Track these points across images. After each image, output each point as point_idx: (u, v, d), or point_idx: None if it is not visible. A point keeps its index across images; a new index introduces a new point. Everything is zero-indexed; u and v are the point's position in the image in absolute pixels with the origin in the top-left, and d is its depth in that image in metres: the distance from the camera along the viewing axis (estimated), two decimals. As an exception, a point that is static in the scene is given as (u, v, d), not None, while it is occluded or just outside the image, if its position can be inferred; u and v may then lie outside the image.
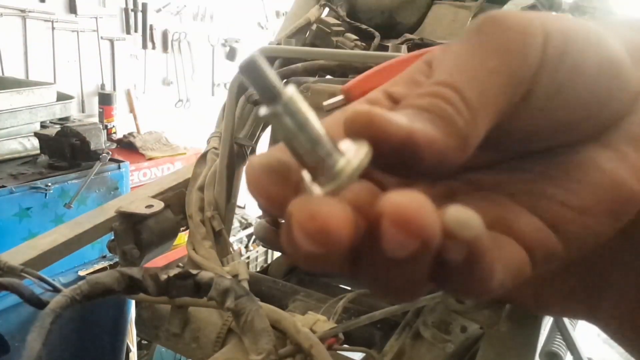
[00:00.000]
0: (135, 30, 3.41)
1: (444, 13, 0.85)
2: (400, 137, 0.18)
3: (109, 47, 3.29)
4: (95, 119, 2.97)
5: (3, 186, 1.63)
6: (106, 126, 2.93)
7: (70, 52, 3.07)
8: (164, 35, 3.63)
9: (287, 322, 0.52)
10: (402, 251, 0.16)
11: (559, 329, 0.59)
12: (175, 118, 3.78)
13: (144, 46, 3.49)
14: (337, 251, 0.16)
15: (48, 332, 0.40)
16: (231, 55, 4.17)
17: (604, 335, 0.32)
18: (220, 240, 0.71)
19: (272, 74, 0.17)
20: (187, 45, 3.82)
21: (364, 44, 0.78)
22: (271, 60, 0.73)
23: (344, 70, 0.69)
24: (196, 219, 0.71)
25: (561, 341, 0.65)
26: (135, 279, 0.48)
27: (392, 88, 0.24)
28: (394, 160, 0.18)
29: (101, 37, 3.21)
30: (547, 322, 0.68)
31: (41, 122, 1.99)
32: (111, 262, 1.92)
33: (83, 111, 3.17)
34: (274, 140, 0.73)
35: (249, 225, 3.28)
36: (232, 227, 1.68)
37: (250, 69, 0.17)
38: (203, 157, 0.79)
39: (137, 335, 1.66)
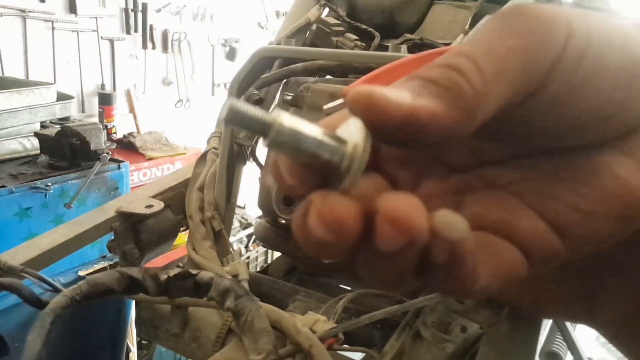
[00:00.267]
0: (135, 30, 3.41)
1: (444, 13, 0.85)
2: (402, 116, 0.18)
3: (109, 47, 3.29)
4: (95, 119, 2.97)
5: (3, 186, 1.63)
6: (106, 126, 2.93)
7: (70, 52, 3.07)
8: (164, 35, 3.63)
9: (287, 322, 0.52)
10: (392, 246, 0.18)
11: (560, 329, 0.59)
12: (175, 118, 3.78)
13: (144, 46, 3.49)
14: (346, 240, 0.18)
15: (48, 332, 0.40)
16: (231, 55, 4.17)
17: (602, 339, 0.31)
18: (220, 240, 0.71)
19: (253, 111, 0.18)
20: (187, 45, 3.82)
21: (364, 44, 0.78)
22: (271, 60, 0.73)
23: (344, 70, 0.69)
24: (196, 219, 0.71)
25: (561, 341, 0.65)
26: (135, 279, 0.47)
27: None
28: (399, 137, 0.19)
29: (101, 37, 3.20)
30: (547, 322, 0.68)
31: (41, 122, 1.99)
32: (111, 262, 1.92)
33: (83, 111, 3.17)
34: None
35: (249, 225, 3.28)
36: (232, 227, 1.68)
37: (234, 118, 0.18)
38: (203, 157, 0.79)
39: (137, 335, 1.65)
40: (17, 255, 0.61)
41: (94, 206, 1.23)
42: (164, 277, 0.48)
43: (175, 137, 3.00)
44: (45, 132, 1.92)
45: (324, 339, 0.50)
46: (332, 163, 0.19)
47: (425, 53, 0.47)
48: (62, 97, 2.02)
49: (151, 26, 3.50)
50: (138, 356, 2.00)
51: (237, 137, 0.75)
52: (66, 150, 1.83)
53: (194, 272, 0.49)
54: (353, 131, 0.19)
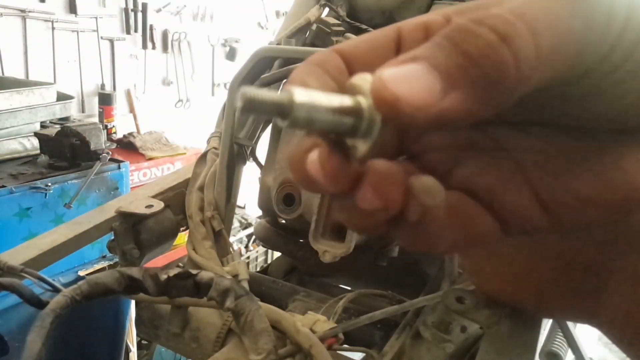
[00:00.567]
0: (135, 30, 3.41)
1: (444, 13, 0.85)
2: (430, 120, 0.17)
3: (109, 47, 3.29)
4: (95, 119, 2.97)
5: (3, 186, 1.63)
6: (106, 126, 2.93)
7: (70, 52, 3.07)
8: (164, 35, 3.62)
9: (287, 322, 0.52)
10: (369, 205, 0.20)
11: (561, 328, 0.59)
12: (175, 118, 3.78)
13: (144, 46, 3.49)
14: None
15: (48, 332, 0.40)
16: (231, 55, 4.17)
17: (605, 339, 0.32)
18: (220, 240, 0.71)
19: (267, 95, 0.18)
20: (187, 45, 3.81)
21: (364, 44, 0.78)
22: (271, 60, 0.73)
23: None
24: (196, 219, 0.71)
25: (561, 341, 0.65)
26: (135, 279, 0.48)
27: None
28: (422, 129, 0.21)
29: (101, 37, 3.20)
30: (547, 322, 0.67)
31: (41, 122, 1.99)
32: (111, 262, 1.92)
33: (83, 111, 3.16)
34: (274, 140, 0.73)
35: (249, 225, 3.28)
36: (232, 227, 1.67)
37: (250, 106, 0.18)
38: (203, 157, 0.79)
39: (137, 335, 1.65)
40: (17, 255, 0.61)
41: (94, 206, 1.23)
42: (164, 277, 0.48)
43: (175, 137, 2.99)
44: (45, 132, 1.92)
45: (324, 339, 0.50)
46: (351, 127, 0.19)
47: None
48: (62, 97, 2.02)
49: (151, 26, 3.50)
50: (138, 356, 2.00)
51: (237, 137, 0.75)
52: (66, 150, 1.83)
53: (194, 272, 0.49)
54: (366, 90, 0.18)
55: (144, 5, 3.38)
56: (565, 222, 0.23)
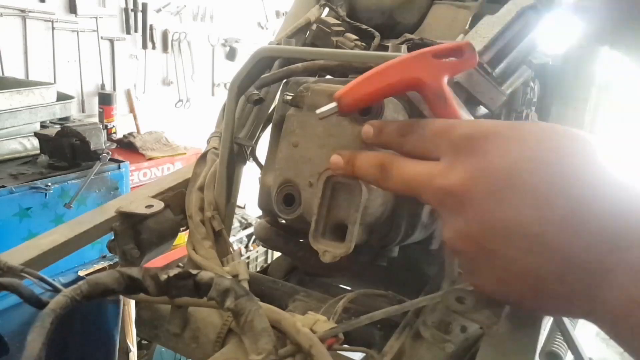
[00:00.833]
0: (135, 30, 3.41)
1: (444, 13, 0.85)
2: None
3: (109, 47, 3.29)
4: (95, 119, 2.97)
5: (3, 186, 1.63)
6: (106, 126, 2.93)
7: (70, 52, 3.07)
8: (164, 35, 3.62)
9: (287, 322, 0.52)
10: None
11: (560, 328, 0.59)
12: (175, 118, 3.78)
13: (144, 46, 3.49)
14: None
15: (48, 332, 0.40)
16: (231, 55, 4.17)
17: (602, 335, 0.32)
18: (220, 240, 0.71)
19: None
20: (187, 45, 3.82)
21: (364, 44, 0.78)
22: (271, 60, 0.73)
23: (344, 70, 0.69)
24: (196, 219, 0.71)
25: (561, 341, 0.65)
26: (135, 279, 0.47)
27: None
28: None
29: (101, 37, 3.20)
30: (547, 322, 0.68)
31: (41, 122, 1.99)
32: (111, 262, 1.92)
33: (83, 111, 3.16)
34: (274, 140, 0.73)
35: (249, 225, 3.28)
36: (232, 227, 1.67)
37: None
38: (203, 157, 0.79)
39: (137, 335, 1.65)
40: (17, 255, 0.61)
41: (94, 206, 1.23)
42: (164, 277, 0.48)
43: (175, 137, 3.00)
44: (45, 132, 1.92)
45: (324, 339, 0.50)
46: None
47: (416, 53, 0.47)
48: (62, 97, 2.02)
49: (151, 26, 3.50)
50: (138, 356, 2.00)
51: (237, 137, 0.75)
52: (66, 150, 1.83)
53: (194, 272, 0.49)
54: None
55: (144, 5, 3.38)
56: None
